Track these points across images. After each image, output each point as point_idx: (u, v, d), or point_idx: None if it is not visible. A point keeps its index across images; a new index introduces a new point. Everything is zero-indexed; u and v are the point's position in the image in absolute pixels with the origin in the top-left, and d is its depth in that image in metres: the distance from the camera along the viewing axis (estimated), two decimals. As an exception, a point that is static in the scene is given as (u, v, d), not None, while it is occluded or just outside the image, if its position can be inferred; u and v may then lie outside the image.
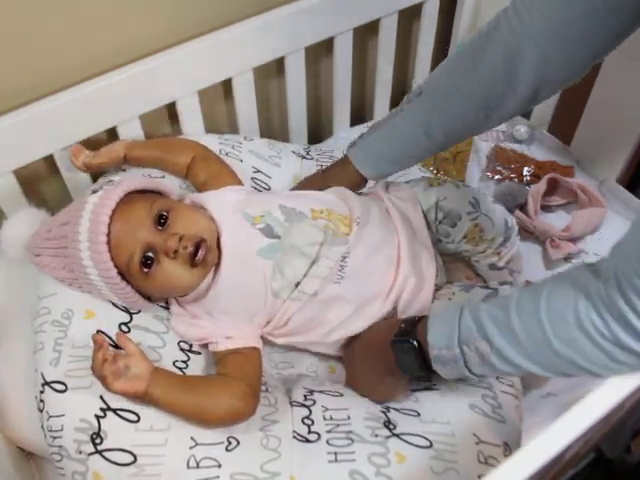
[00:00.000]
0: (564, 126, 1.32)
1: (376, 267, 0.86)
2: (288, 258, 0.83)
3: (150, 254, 0.78)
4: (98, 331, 0.81)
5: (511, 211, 1.15)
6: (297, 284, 0.83)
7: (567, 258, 1.13)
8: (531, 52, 0.72)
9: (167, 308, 0.89)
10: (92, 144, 0.97)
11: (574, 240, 1.14)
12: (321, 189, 0.96)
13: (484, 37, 0.77)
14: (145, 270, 0.78)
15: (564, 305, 0.59)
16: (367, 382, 0.83)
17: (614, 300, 0.54)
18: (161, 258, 0.78)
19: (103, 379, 0.72)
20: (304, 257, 0.83)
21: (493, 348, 0.64)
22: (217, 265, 0.83)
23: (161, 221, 0.79)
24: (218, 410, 0.76)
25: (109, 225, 0.77)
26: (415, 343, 0.72)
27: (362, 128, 1.26)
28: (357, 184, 0.96)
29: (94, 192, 0.80)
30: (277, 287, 0.83)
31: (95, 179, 1.03)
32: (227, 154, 1.04)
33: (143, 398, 0.74)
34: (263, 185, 1.06)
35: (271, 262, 0.82)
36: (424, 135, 0.85)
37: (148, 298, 0.85)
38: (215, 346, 0.84)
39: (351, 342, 0.87)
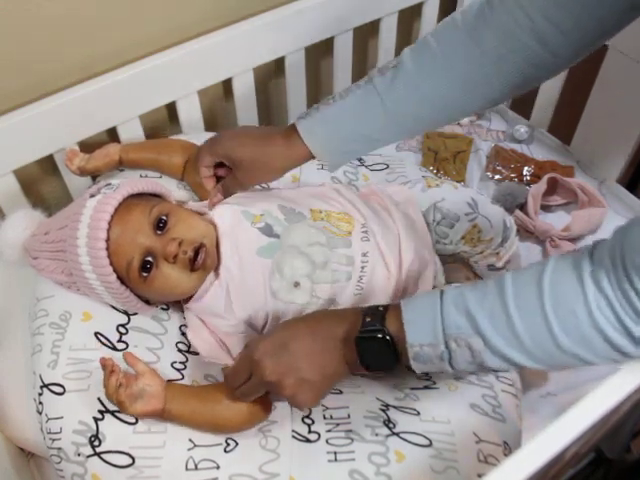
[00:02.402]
0: (564, 126, 1.32)
1: (384, 277, 0.86)
2: (287, 258, 0.82)
3: (149, 259, 0.78)
4: (96, 333, 0.81)
5: (511, 211, 1.15)
6: (296, 284, 0.83)
7: (567, 258, 1.13)
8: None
9: (165, 309, 0.89)
10: (92, 144, 0.97)
11: (574, 240, 1.14)
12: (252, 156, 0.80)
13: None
14: (144, 275, 0.78)
15: (573, 297, 0.55)
16: (309, 380, 0.68)
17: (626, 292, 0.52)
18: (160, 263, 0.78)
19: (120, 404, 0.72)
20: (303, 256, 0.83)
21: (487, 344, 0.60)
22: (217, 266, 0.83)
23: (160, 225, 0.79)
24: (236, 417, 0.76)
25: (108, 230, 0.76)
26: (388, 338, 0.64)
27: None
28: (297, 160, 0.81)
29: (92, 196, 0.80)
30: (276, 287, 0.82)
31: (95, 179, 1.03)
32: (225, 153, 1.04)
33: (161, 415, 0.74)
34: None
35: (270, 261, 0.82)
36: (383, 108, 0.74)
37: (147, 301, 0.85)
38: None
39: (283, 328, 0.73)
